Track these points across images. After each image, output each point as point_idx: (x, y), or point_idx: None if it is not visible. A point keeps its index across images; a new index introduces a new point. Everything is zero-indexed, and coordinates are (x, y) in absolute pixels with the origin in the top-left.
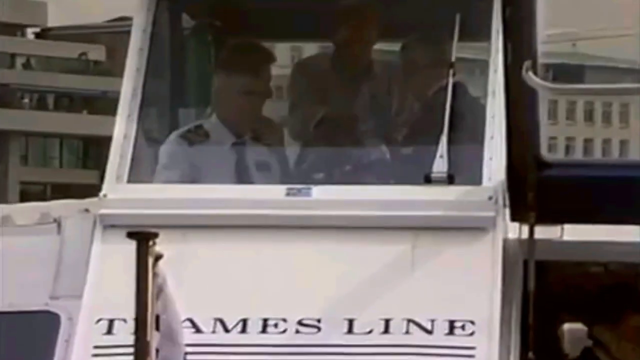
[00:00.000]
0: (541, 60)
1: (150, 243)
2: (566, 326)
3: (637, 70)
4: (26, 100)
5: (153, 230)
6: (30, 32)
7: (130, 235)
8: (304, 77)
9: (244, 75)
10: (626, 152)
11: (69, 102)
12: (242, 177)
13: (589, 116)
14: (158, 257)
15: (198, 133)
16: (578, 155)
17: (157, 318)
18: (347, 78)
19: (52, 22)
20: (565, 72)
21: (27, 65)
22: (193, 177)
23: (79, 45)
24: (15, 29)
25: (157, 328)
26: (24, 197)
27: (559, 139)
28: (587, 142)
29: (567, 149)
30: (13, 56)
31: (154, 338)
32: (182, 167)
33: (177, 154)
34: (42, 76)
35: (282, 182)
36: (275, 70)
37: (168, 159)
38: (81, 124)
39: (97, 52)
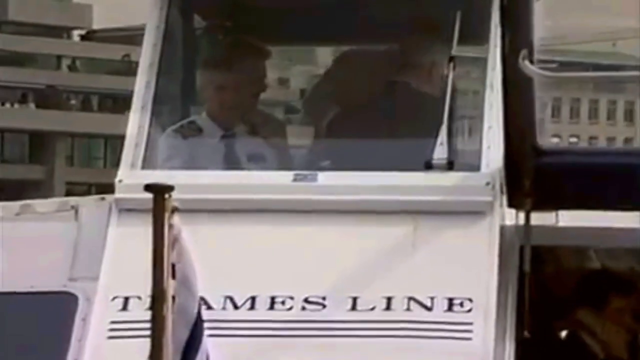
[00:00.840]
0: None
1: (166, 196)
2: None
3: None
4: (73, 102)
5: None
6: (75, 35)
7: (148, 188)
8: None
9: (217, 70)
10: None
11: (112, 103)
12: (222, 164)
13: (594, 114)
14: (174, 210)
15: (191, 128)
16: None
17: (173, 267)
18: (356, 77)
19: (97, 25)
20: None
21: (72, 67)
22: (191, 164)
23: (123, 47)
24: (61, 32)
25: (174, 276)
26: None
27: (563, 136)
28: (591, 139)
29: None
30: (59, 58)
31: (170, 285)
32: (179, 159)
33: (172, 147)
34: (86, 78)
35: (280, 167)
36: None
37: (165, 151)
38: (125, 124)
39: (140, 54)
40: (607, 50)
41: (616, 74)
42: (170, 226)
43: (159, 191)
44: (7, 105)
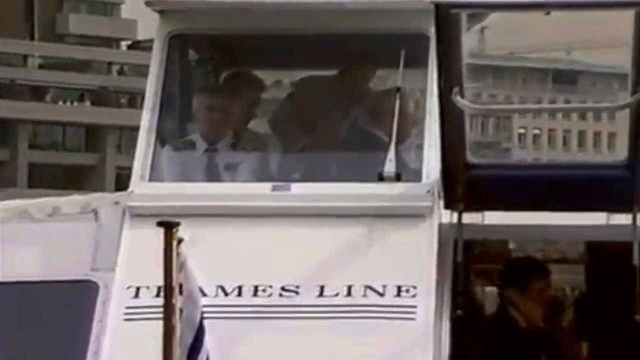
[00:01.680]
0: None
1: (174, 230)
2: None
3: (623, 74)
4: (122, 100)
5: (176, 220)
6: (123, 45)
7: (160, 224)
8: (290, 106)
9: (205, 94)
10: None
11: None
12: (214, 176)
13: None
14: (180, 241)
15: (187, 142)
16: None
17: (181, 286)
18: (320, 108)
19: (141, 36)
20: (560, 77)
21: (120, 72)
22: (189, 176)
23: None
24: (111, 42)
25: (181, 293)
26: (119, 179)
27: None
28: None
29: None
30: (110, 64)
31: (178, 300)
32: (180, 169)
33: (173, 162)
34: (132, 80)
35: (262, 181)
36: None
37: (167, 165)
38: None
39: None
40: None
41: (536, 106)
42: (178, 254)
43: (169, 226)
44: (68, 103)
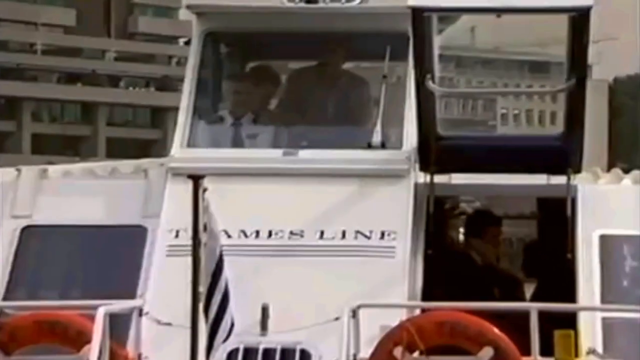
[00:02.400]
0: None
1: (200, 181)
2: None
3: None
4: (180, 87)
5: (202, 173)
6: (181, 41)
7: (189, 176)
8: (296, 89)
9: (233, 81)
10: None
11: None
12: (237, 144)
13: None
14: (205, 190)
15: (217, 117)
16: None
17: (205, 225)
18: (323, 89)
19: None
20: (535, 67)
21: (179, 63)
22: (218, 144)
23: None
24: (171, 39)
25: (205, 230)
26: None
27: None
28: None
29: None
30: (170, 57)
31: (203, 237)
32: (211, 138)
33: (206, 130)
34: None
35: (275, 147)
36: None
37: (201, 133)
38: None
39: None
40: (539, 51)
41: (491, 90)
42: (203, 199)
43: (197, 178)
44: (137, 89)
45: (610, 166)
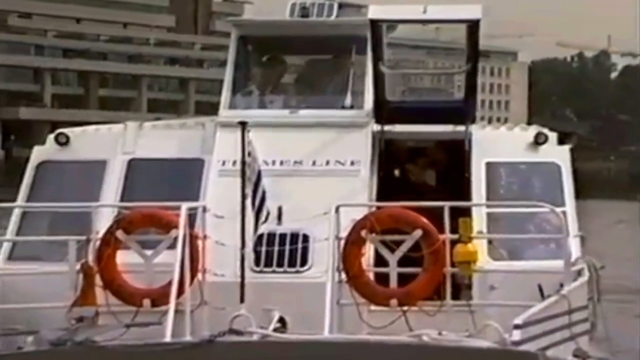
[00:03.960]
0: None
1: (246, 126)
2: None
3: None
4: None
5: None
6: None
7: (239, 122)
8: (298, 72)
9: (258, 67)
10: None
11: None
12: (261, 107)
13: None
14: (248, 131)
15: (247, 91)
16: None
17: (249, 152)
18: (315, 72)
19: None
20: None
21: None
22: (249, 107)
23: None
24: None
25: (249, 155)
26: None
27: None
28: None
29: None
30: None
31: (248, 167)
32: (244, 103)
33: (239, 101)
34: None
35: (285, 109)
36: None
37: (238, 100)
38: None
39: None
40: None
41: (420, 71)
42: (249, 142)
43: (244, 124)
44: (216, 69)
45: (529, 122)
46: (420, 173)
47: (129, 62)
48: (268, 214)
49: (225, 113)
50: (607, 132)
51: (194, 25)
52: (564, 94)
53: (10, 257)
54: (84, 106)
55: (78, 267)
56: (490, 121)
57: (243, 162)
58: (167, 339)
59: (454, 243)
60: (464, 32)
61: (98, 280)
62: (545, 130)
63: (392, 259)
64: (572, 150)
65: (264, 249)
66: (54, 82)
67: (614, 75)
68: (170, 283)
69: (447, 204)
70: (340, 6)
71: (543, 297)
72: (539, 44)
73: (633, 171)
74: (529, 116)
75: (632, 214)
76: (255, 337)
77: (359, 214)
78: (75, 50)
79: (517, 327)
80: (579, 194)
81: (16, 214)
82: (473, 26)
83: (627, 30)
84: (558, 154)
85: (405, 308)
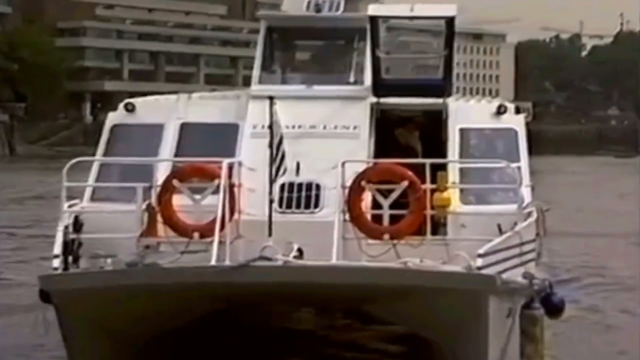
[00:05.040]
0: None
1: (274, 99)
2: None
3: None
4: None
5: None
6: None
7: (268, 97)
8: (313, 55)
9: (280, 51)
10: None
11: None
12: (283, 83)
13: None
14: (275, 103)
15: (272, 70)
16: None
17: (275, 120)
18: (326, 55)
19: None
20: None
21: None
22: (273, 83)
23: None
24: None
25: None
26: None
27: None
28: None
29: None
30: None
31: (272, 124)
32: (270, 79)
33: (267, 78)
34: None
35: (301, 84)
36: None
37: (264, 77)
38: None
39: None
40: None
41: (407, 55)
42: (275, 111)
43: (272, 98)
44: None
45: (515, 93)
46: (408, 136)
47: (190, 44)
48: (285, 165)
49: (255, 87)
50: (579, 100)
51: (242, 13)
52: (544, 69)
53: (92, 198)
54: (154, 80)
55: (144, 207)
56: (483, 92)
57: (270, 127)
58: (212, 263)
59: (433, 191)
60: (465, 18)
61: (159, 217)
62: (506, 103)
63: (385, 203)
64: (526, 119)
65: (286, 194)
66: (130, 60)
67: (584, 53)
68: (214, 220)
69: (427, 161)
70: (347, 2)
71: (501, 233)
72: (523, 27)
73: (600, 133)
74: (515, 88)
75: (595, 167)
76: (279, 263)
77: (360, 168)
78: (147, 34)
79: (480, 255)
80: (557, 151)
81: (96, 166)
82: (449, 21)
83: (597, 17)
84: (515, 122)
85: (395, 241)
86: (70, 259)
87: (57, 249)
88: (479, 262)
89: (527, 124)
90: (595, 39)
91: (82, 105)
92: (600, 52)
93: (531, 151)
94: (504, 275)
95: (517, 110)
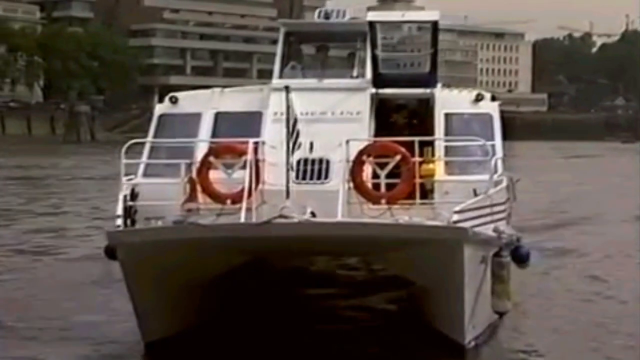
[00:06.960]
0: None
1: (289, 89)
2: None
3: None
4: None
5: (289, 86)
6: None
7: (285, 87)
8: (324, 55)
9: (297, 52)
10: None
11: None
12: (298, 77)
13: None
14: (290, 92)
15: (291, 67)
16: None
17: (292, 108)
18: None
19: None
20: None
21: None
22: (292, 77)
23: None
24: None
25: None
26: None
27: None
28: None
29: None
30: None
31: (289, 114)
32: (288, 75)
33: (287, 72)
34: None
35: (314, 78)
36: None
37: (284, 73)
38: None
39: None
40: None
41: (403, 54)
42: (290, 100)
43: (288, 88)
44: None
45: (532, 85)
46: (402, 120)
47: (245, 43)
48: (300, 144)
49: (275, 81)
50: (589, 91)
51: (290, 15)
52: (558, 64)
53: (145, 174)
54: (213, 75)
55: (186, 179)
56: (504, 85)
57: (287, 113)
58: (242, 220)
59: (421, 164)
60: (488, 19)
61: (198, 188)
62: (483, 92)
63: (382, 174)
64: (500, 105)
65: (301, 168)
66: (193, 57)
67: (594, 50)
68: (242, 189)
69: (416, 139)
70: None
71: (476, 197)
72: (539, 27)
73: (607, 121)
74: (532, 81)
75: (601, 150)
76: (295, 220)
77: (362, 146)
78: (208, 34)
79: (456, 212)
80: (569, 138)
81: (147, 147)
82: (434, 25)
83: (606, 17)
84: (491, 107)
85: (390, 205)
86: (128, 222)
87: (120, 211)
88: (455, 217)
89: (542, 113)
90: (604, 37)
91: (151, 97)
92: (608, 49)
93: (506, 136)
94: (477, 229)
95: (493, 98)
